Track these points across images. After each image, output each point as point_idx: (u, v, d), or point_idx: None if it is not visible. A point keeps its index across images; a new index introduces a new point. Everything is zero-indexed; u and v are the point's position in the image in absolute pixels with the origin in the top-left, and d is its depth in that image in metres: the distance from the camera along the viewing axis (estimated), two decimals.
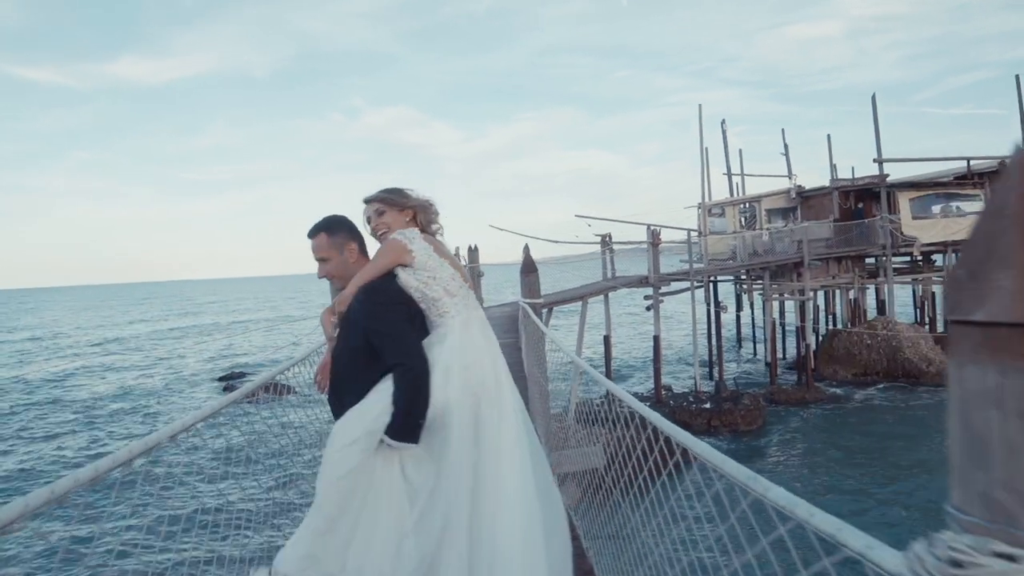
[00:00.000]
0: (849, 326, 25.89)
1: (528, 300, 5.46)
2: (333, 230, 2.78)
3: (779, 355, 24.51)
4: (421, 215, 2.81)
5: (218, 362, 38.26)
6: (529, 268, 5.71)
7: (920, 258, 25.65)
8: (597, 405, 4.00)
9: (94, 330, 66.56)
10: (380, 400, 2.45)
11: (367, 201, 2.83)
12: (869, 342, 23.30)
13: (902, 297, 28.10)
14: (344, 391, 2.61)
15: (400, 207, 2.79)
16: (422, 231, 2.76)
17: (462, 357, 2.55)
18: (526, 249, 6.05)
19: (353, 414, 2.45)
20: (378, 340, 2.52)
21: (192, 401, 27.15)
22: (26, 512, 1.38)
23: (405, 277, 2.61)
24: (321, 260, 2.77)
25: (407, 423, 2.41)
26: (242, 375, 31.92)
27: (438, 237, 2.85)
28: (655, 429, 2.11)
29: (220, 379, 32.13)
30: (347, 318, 2.62)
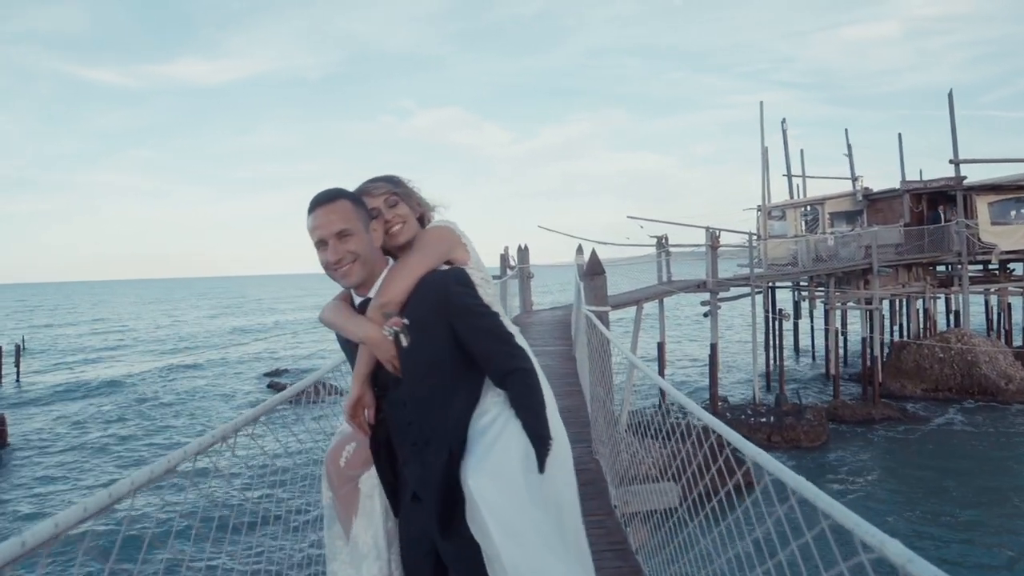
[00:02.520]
0: (919, 338, 24.34)
1: (594, 308, 4.69)
2: (359, 200, 2.04)
3: (840, 367, 23.17)
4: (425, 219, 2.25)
5: (265, 360, 38.39)
6: (595, 270, 4.92)
7: (996, 266, 24.05)
8: (650, 415, 3.93)
9: (171, 325, 68.19)
10: (508, 427, 1.96)
11: (368, 191, 2.12)
12: (941, 356, 21.77)
13: (973, 307, 26.39)
14: (431, 430, 1.99)
15: (415, 202, 2.20)
16: None
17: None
18: (592, 252, 5.25)
19: (490, 459, 1.91)
20: (483, 342, 1.99)
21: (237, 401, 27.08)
22: (86, 515, 1.31)
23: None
24: (340, 235, 1.93)
25: (545, 437, 1.91)
26: (284, 371, 31.97)
27: None
28: (733, 449, 1.86)
29: (266, 374, 32.19)
30: (416, 320, 1.94)
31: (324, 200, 1.96)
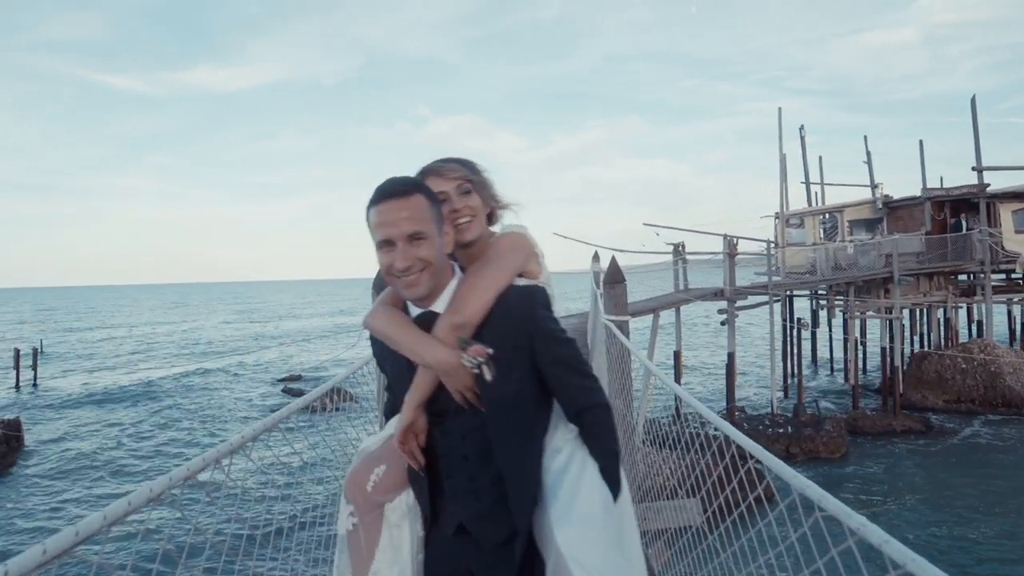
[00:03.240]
0: (940, 348, 23.97)
1: (613, 317, 4.63)
2: (434, 196, 1.73)
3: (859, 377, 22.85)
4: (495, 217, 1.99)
5: (281, 366, 38.56)
6: (615, 278, 4.85)
7: (1020, 276, 23.68)
8: (667, 424, 3.83)
9: (188, 331, 68.71)
10: (587, 471, 1.78)
11: (439, 172, 1.86)
12: (964, 366, 21.42)
13: (996, 317, 25.97)
14: (518, 476, 1.78)
15: (488, 195, 1.94)
16: None
17: None
18: (612, 259, 5.19)
19: (574, 509, 1.71)
20: (566, 374, 1.77)
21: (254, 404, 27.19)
22: (104, 525, 1.29)
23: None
24: (413, 237, 1.64)
25: (619, 477, 1.80)
26: (299, 376, 32.11)
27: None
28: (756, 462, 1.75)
29: (281, 379, 32.34)
30: (501, 348, 1.69)
31: (397, 192, 1.66)
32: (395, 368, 1.86)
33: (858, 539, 1.30)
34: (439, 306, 1.75)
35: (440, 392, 1.77)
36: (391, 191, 1.66)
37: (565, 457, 1.80)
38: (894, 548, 1.16)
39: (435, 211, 1.70)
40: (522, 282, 1.81)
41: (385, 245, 1.66)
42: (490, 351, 1.67)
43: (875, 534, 1.23)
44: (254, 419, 20.98)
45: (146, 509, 1.47)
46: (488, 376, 1.68)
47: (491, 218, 1.96)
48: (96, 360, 42.28)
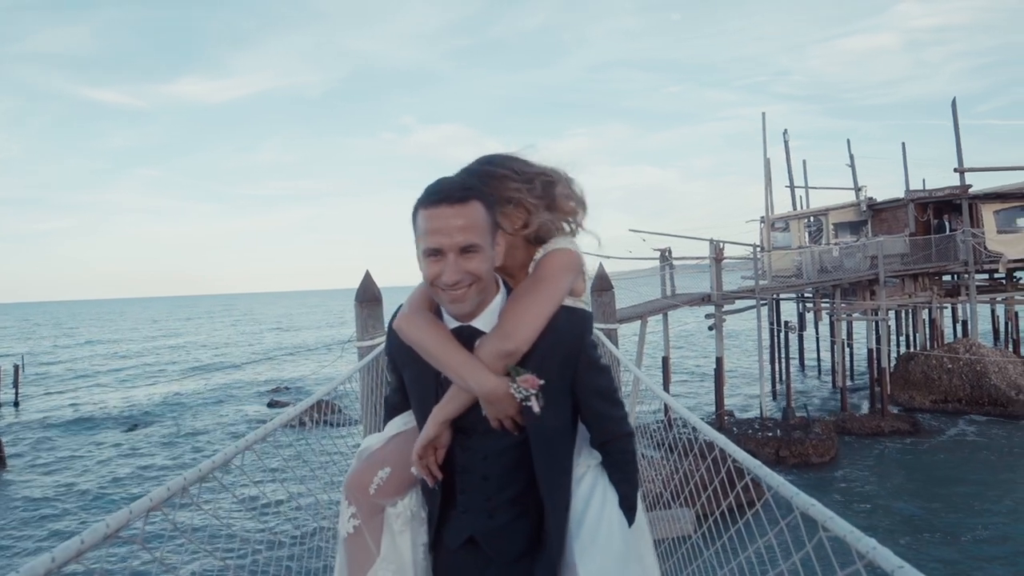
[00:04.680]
0: (926, 348, 24.10)
1: (601, 325, 4.52)
2: (490, 202, 1.59)
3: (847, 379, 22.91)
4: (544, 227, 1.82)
5: (267, 379, 38.21)
6: (603, 285, 4.75)
7: (1003, 275, 23.87)
8: (654, 430, 3.96)
9: (175, 348, 68.07)
10: (609, 500, 1.74)
11: (496, 176, 1.73)
12: (950, 366, 21.52)
13: (981, 317, 26.15)
14: (561, 509, 1.69)
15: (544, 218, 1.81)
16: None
17: None
18: (600, 266, 5.09)
19: (607, 566, 1.67)
20: (601, 404, 1.69)
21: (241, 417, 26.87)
22: (83, 549, 1.23)
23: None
24: (466, 249, 1.50)
25: (636, 505, 1.78)
26: (285, 389, 31.80)
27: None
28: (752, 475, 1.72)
29: (269, 391, 32.05)
30: (550, 378, 1.59)
31: (455, 197, 1.50)
32: (417, 376, 1.73)
33: (868, 563, 1.21)
34: (481, 322, 1.62)
35: (470, 411, 1.65)
36: (447, 194, 1.50)
37: (588, 486, 1.74)
38: (908, 573, 1.09)
39: (491, 220, 1.56)
40: (569, 301, 1.68)
41: (434, 254, 1.50)
42: (541, 383, 1.56)
43: (886, 559, 1.14)
44: (240, 435, 20.75)
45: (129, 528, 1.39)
46: (536, 409, 1.57)
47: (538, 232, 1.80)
48: (80, 377, 41.70)
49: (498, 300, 1.63)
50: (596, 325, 4.67)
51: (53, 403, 31.43)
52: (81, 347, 65.51)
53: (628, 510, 1.74)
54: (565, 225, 1.82)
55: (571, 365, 1.62)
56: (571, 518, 1.71)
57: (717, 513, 2.42)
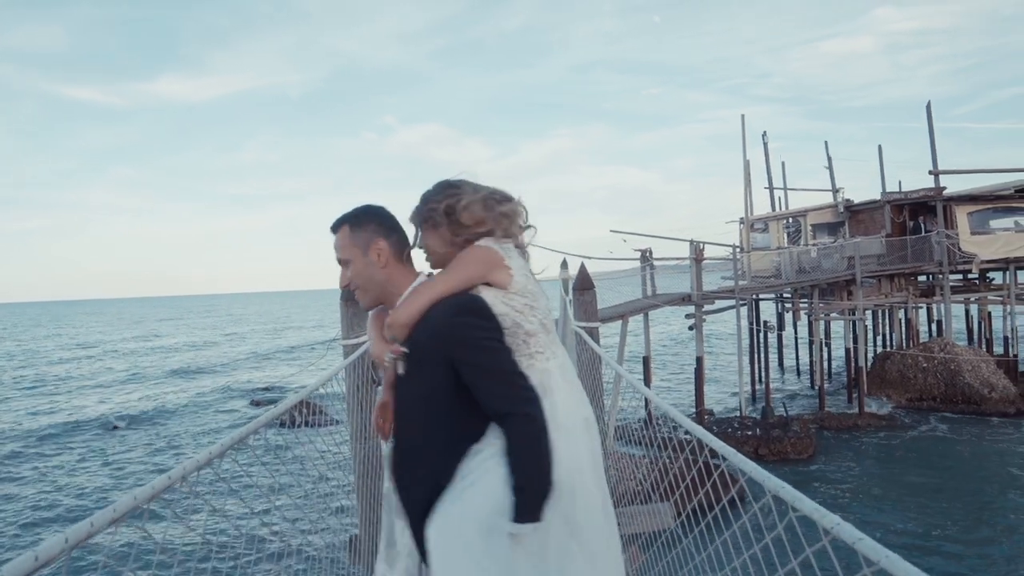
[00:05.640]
0: (902, 348, 24.51)
1: (584, 324, 4.62)
2: (359, 222, 2.01)
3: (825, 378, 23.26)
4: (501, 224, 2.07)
5: (248, 379, 37.95)
6: (584, 285, 4.85)
7: (976, 276, 24.32)
8: (637, 428, 4.08)
9: (151, 351, 67.28)
10: (487, 476, 1.81)
11: (427, 200, 2.08)
12: (925, 365, 21.92)
13: (955, 317, 26.62)
14: (414, 464, 1.92)
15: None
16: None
17: (580, 410, 1.98)
18: (581, 266, 5.18)
19: (454, 507, 1.80)
20: (480, 380, 1.82)
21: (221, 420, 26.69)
22: (67, 547, 1.26)
23: (493, 300, 1.92)
24: (342, 263, 2.03)
25: (534, 494, 1.75)
26: (266, 389, 31.63)
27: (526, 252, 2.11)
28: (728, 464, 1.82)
29: (252, 391, 31.85)
30: (415, 349, 1.87)
31: (332, 227, 2.06)
32: None
33: (832, 538, 1.32)
34: (399, 305, 2.00)
35: None
36: (331, 227, 2.05)
37: (479, 460, 1.84)
38: (867, 545, 1.17)
39: (356, 237, 2.00)
40: (491, 292, 1.93)
41: (339, 263, 2.06)
42: (404, 350, 1.88)
43: (848, 533, 1.24)
44: (219, 436, 20.62)
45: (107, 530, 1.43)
46: (400, 371, 1.91)
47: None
48: (59, 380, 41.07)
49: (412, 287, 2.01)
50: (577, 324, 4.78)
51: (28, 406, 30.96)
52: (59, 349, 64.58)
53: (515, 490, 1.75)
54: (499, 231, 2.03)
55: (440, 341, 1.83)
56: (449, 488, 1.84)
57: (695, 502, 2.52)
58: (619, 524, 4.55)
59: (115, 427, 25.21)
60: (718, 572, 2.12)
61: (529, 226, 2.09)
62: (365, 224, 2.01)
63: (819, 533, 1.34)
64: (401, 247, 2.02)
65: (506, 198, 2.05)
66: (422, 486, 1.88)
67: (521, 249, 2.06)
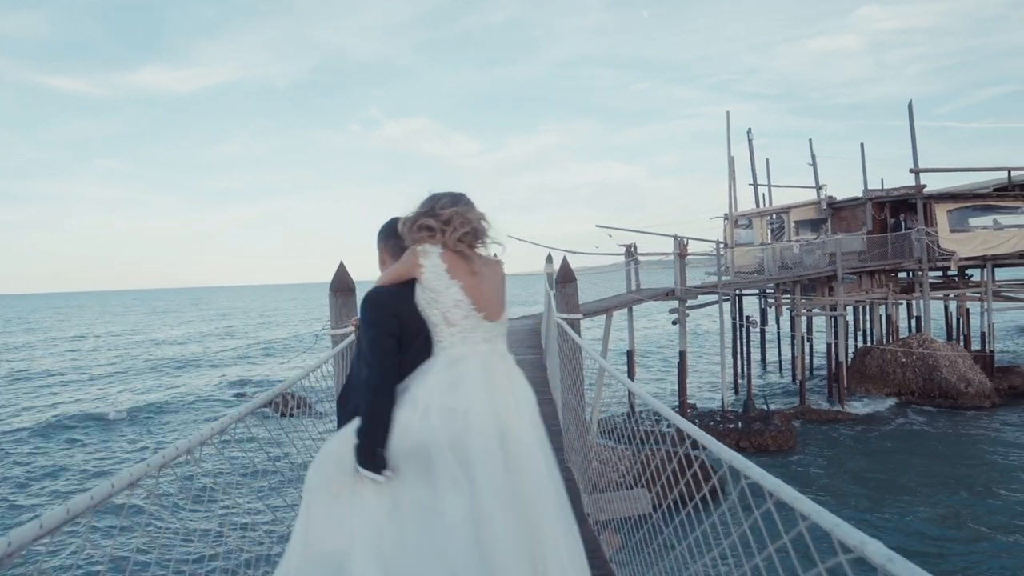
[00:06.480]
0: (882, 343, 24.89)
1: (565, 316, 4.75)
2: (380, 234, 2.72)
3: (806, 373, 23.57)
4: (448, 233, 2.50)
5: (234, 372, 37.81)
6: (566, 278, 4.98)
7: (955, 273, 24.71)
8: (621, 421, 3.96)
9: (135, 344, 66.62)
10: (349, 427, 2.35)
11: (385, 228, 2.77)
12: (904, 360, 22.30)
13: (934, 313, 27.06)
14: (350, 398, 2.51)
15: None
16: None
17: (444, 398, 2.26)
18: (564, 260, 5.31)
19: (347, 427, 2.34)
20: (361, 346, 2.49)
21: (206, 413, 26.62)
22: (42, 532, 1.29)
23: (417, 292, 2.42)
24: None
25: (360, 447, 2.23)
26: (247, 382, 31.56)
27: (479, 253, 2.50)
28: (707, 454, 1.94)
29: (237, 383, 31.76)
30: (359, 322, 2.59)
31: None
32: None
33: (810, 524, 1.37)
34: None
35: None
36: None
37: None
38: (844, 531, 1.21)
39: (378, 244, 2.70)
40: (418, 285, 2.43)
41: None
42: (356, 320, 2.67)
43: (825, 519, 1.29)
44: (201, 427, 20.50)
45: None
46: (355, 335, 2.78)
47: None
48: (40, 375, 40.58)
49: None
50: (559, 315, 4.90)
51: (4, 402, 30.64)
52: (40, 344, 63.88)
53: (356, 445, 2.24)
54: (428, 241, 2.46)
55: (358, 316, 2.53)
56: None
57: (676, 492, 2.62)
58: (598, 510, 4.70)
59: (98, 422, 25.07)
60: (698, 559, 2.23)
61: (466, 233, 2.42)
62: (380, 234, 2.71)
63: (797, 519, 1.39)
64: (396, 250, 2.55)
65: (427, 219, 2.43)
66: (349, 416, 2.39)
67: (460, 253, 2.42)
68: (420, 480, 2.19)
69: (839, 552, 1.22)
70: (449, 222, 2.40)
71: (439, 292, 2.36)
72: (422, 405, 2.24)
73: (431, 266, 2.38)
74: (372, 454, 2.20)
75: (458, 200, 2.46)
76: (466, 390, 2.27)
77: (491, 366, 2.37)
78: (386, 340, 2.33)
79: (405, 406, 2.26)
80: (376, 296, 2.42)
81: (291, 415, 3.67)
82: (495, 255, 2.57)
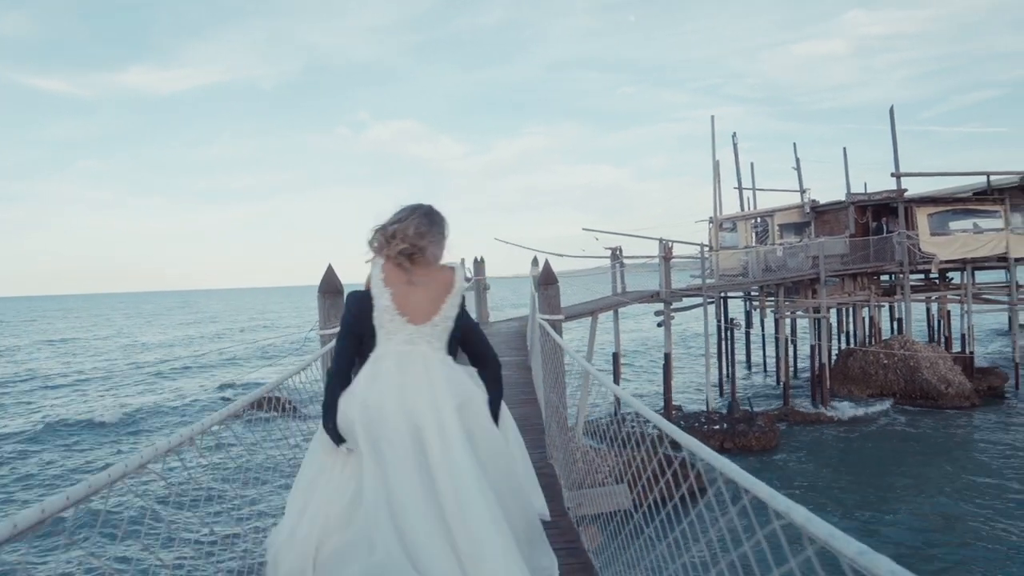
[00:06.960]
0: (865, 345, 25.20)
1: (548, 317, 4.86)
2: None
3: (790, 374, 23.84)
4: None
5: (219, 374, 37.65)
6: (548, 280, 5.10)
7: (936, 276, 25.07)
8: (606, 423, 4.03)
9: (121, 349, 66.01)
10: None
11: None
12: (886, 362, 22.61)
13: (915, 315, 27.42)
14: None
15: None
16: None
17: (364, 392, 2.59)
18: (546, 262, 5.43)
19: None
20: None
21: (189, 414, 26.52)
22: (15, 532, 1.29)
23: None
24: None
25: (322, 422, 2.68)
26: (231, 385, 31.43)
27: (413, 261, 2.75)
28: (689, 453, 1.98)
29: (221, 386, 31.66)
30: None
31: None
32: None
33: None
34: None
35: None
36: None
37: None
38: (816, 526, 1.24)
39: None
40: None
41: None
42: None
43: (798, 514, 1.31)
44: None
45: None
46: None
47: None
48: (23, 381, 40.27)
49: None
50: (541, 316, 5.03)
51: None
52: (29, 346, 63.25)
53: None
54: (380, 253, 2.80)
55: None
56: None
57: (656, 491, 2.71)
58: (579, 504, 4.82)
59: (84, 428, 24.89)
60: (677, 560, 2.29)
61: (403, 248, 2.69)
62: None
63: (771, 516, 1.42)
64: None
65: (379, 233, 2.75)
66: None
67: (399, 265, 2.70)
68: (362, 456, 2.55)
69: (807, 546, 1.26)
70: (393, 237, 2.72)
71: (376, 298, 2.68)
72: (351, 394, 2.61)
73: (374, 275, 2.72)
74: (327, 428, 2.63)
75: (410, 215, 2.73)
76: (379, 385, 2.58)
77: (407, 364, 2.63)
78: (345, 338, 2.72)
79: (345, 394, 2.63)
80: (347, 299, 2.81)
81: (283, 410, 3.74)
82: (463, 260, 2.86)
